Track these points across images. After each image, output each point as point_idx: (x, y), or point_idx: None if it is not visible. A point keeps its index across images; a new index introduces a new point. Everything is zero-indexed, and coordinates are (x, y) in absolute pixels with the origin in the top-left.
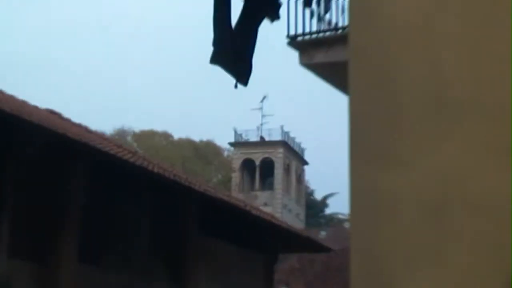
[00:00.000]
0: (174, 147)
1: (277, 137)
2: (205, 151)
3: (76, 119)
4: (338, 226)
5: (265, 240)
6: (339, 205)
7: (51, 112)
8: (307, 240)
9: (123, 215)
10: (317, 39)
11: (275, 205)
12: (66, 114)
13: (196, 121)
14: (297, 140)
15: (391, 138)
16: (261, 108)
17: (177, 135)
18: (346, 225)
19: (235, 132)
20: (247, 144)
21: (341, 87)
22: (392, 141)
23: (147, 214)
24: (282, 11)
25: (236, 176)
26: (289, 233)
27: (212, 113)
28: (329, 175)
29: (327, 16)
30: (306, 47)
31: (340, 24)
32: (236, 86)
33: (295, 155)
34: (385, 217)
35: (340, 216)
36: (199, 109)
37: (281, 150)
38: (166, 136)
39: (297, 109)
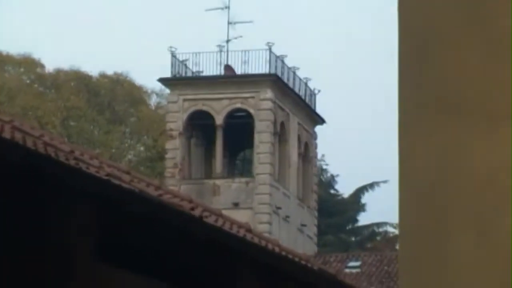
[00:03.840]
0: (46, 88)
1: (259, 67)
2: (110, 96)
3: None
4: (385, 248)
5: (234, 276)
6: (387, 208)
7: None
8: (321, 277)
9: None
10: None
11: (256, 208)
12: None
13: (90, 35)
14: (301, 73)
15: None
16: (226, 8)
17: (51, 63)
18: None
19: (173, 57)
20: (197, 81)
21: None
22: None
23: None
24: None
25: (175, 147)
26: (285, 264)
27: (125, 19)
28: (366, 144)
29: None
30: None
31: None
32: None
33: (297, 104)
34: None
35: (390, 230)
36: (95, 11)
37: (268, 93)
38: (28, 63)
39: (299, 10)
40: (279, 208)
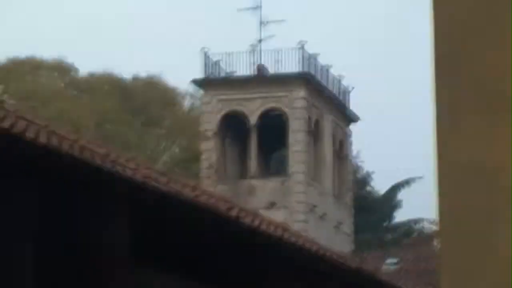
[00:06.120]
0: (78, 93)
1: (292, 66)
2: (142, 99)
3: None
4: (422, 245)
5: (272, 275)
6: (423, 204)
7: None
8: (359, 275)
9: None
10: None
11: (292, 206)
12: None
13: (121, 39)
14: (335, 71)
15: None
16: (258, 7)
17: (85, 67)
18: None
19: (206, 57)
20: (230, 82)
21: None
22: None
23: (30, 232)
24: None
25: (209, 149)
26: (322, 262)
27: (155, 22)
28: (402, 141)
29: None
30: None
31: None
32: None
33: (330, 102)
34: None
35: (426, 226)
36: (128, 15)
37: (302, 91)
38: (62, 68)
39: (332, 7)
40: (315, 206)
